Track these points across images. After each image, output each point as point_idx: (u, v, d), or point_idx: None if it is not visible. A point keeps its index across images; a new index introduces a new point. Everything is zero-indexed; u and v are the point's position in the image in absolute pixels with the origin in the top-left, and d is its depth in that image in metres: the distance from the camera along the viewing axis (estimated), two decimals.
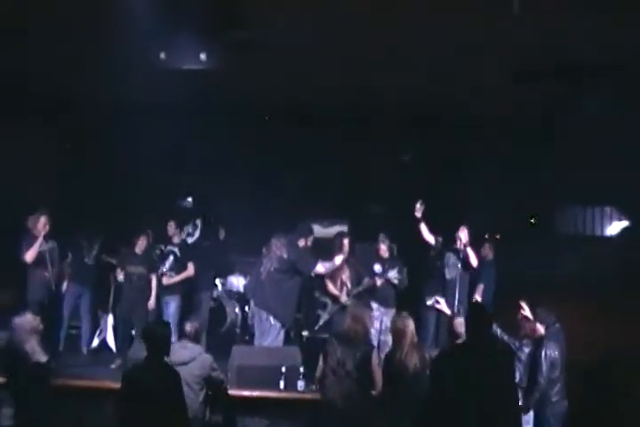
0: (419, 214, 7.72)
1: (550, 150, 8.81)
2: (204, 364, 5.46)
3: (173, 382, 4.64)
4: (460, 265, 7.80)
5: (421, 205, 7.68)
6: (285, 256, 7.28)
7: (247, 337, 8.74)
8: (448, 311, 6.74)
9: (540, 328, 6.20)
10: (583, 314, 7.65)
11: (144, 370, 4.67)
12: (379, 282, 7.86)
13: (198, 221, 8.70)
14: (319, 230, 8.60)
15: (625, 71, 6.93)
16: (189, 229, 8.63)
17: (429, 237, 7.92)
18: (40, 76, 8.27)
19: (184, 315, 7.75)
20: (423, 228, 7.85)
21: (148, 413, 4.46)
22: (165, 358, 4.79)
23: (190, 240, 8.62)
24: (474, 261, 7.83)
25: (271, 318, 7.22)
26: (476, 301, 6.20)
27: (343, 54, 7.13)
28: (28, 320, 5.30)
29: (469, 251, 7.77)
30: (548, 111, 8.35)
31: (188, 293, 8.32)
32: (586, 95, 7.54)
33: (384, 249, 8.11)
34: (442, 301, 6.80)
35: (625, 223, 9.16)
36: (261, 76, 7.77)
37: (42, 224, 7.46)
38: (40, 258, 7.46)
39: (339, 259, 7.53)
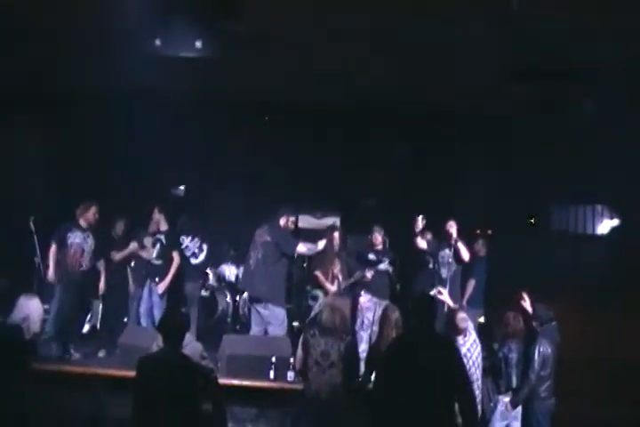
0: (417, 228, 7.76)
1: (545, 149, 8.84)
2: (194, 352, 5.36)
3: (189, 373, 4.53)
4: (452, 261, 7.79)
5: (422, 220, 7.72)
6: (268, 239, 7.30)
7: (238, 327, 8.78)
8: (451, 302, 6.69)
9: (532, 325, 6.21)
10: (575, 311, 7.64)
11: (160, 360, 4.56)
12: (370, 274, 7.84)
13: (204, 246, 8.42)
14: (312, 222, 8.58)
15: (623, 72, 6.95)
16: (195, 249, 8.40)
17: (423, 244, 7.94)
18: (35, 65, 8.18)
19: (173, 303, 7.71)
20: (419, 240, 7.88)
21: (161, 403, 4.36)
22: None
23: (195, 261, 8.40)
24: (465, 256, 7.81)
25: (270, 306, 7.22)
26: (425, 292, 6.15)
27: (338, 50, 7.10)
28: (35, 302, 5.33)
29: (460, 245, 7.74)
30: (546, 110, 8.27)
31: (178, 282, 8.18)
32: (584, 95, 7.53)
33: (379, 239, 8.09)
34: (444, 291, 6.75)
35: (615, 222, 9.25)
36: (255, 69, 7.75)
37: (92, 214, 7.44)
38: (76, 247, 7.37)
39: (321, 243, 7.53)
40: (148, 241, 7.97)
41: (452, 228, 7.72)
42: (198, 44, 6.22)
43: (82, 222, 7.43)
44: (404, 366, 4.40)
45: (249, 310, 8.46)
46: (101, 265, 7.84)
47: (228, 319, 8.84)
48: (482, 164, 9.64)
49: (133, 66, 7.02)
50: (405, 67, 7.48)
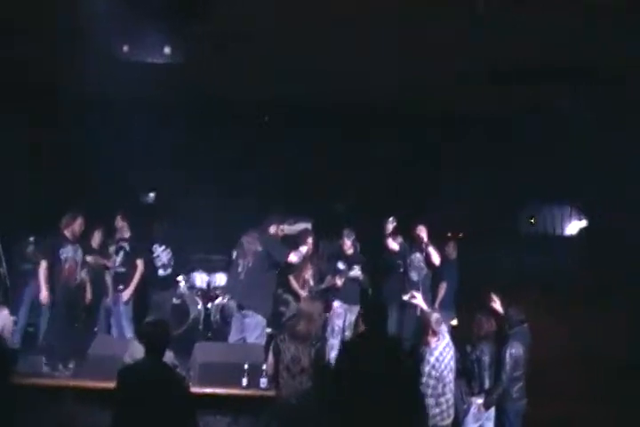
0: (388, 230, 7.82)
1: (517, 150, 8.92)
2: (165, 360, 5.40)
3: (173, 382, 4.45)
4: (423, 264, 7.86)
5: (393, 221, 7.80)
6: (259, 248, 7.30)
7: (210, 334, 8.74)
8: (425, 306, 6.72)
9: (504, 327, 6.26)
10: (546, 312, 7.69)
11: (143, 371, 4.45)
12: (340, 281, 7.87)
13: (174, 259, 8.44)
14: (286, 228, 8.54)
15: (596, 74, 7.15)
16: (165, 260, 8.38)
17: (394, 246, 7.97)
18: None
19: (140, 312, 7.69)
20: (390, 242, 7.92)
21: (146, 415, 4.26)
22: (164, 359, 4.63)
23: (164, 273, 8.38)
24: (436, 260, 7.87)
25: (257, 316, 7.23)
26: (376, 301, 6.22)
27: (311, 51, 7.14)
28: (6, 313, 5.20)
29: (431, 249, 7.82)
30: (520, 111, 8.43)
31: (143, 290, 8.15)
32: (557, 96, 7.68)
33: (348, 245, 8.09)
34: (418, 295, 6.80)
35: (584, 223, 9.39)
36: (224, 70, 7.75)
37: (77, 225, 7.29)
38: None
39: (304, 248, 7.54)
40: (111, 249, 7.94)
41: (423, 232, 7.79)
42: (167, 48, 6.28)
43: (68, 234, 7.26)
44: (355, 373, 4.46)
45: (222, 317, 8.62)
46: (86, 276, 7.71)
47: (200, 327, 8.78)
48: (453, 166, 9.71)
49: (99, 68, 7.06)
50: (379, 67, 7.49)
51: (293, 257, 7.36)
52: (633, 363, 7.35)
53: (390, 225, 7.93)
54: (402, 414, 4.36)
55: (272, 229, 7.50)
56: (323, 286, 7.89)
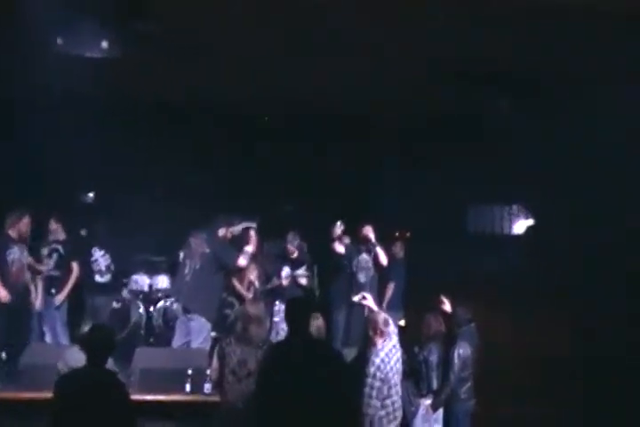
0: (336, 234, 7.85)
1: (464, 149, 8.93)
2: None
3: (118, 391, 4.28)
4: (371, 265, 7.87)
5: (340, 225, 7.83)
6: (207, 251, 7.26)
7: (152, 339, 8.61)
8: (375, 307, 6.59)
9: (452, 327, 6.28)
10: (493, 313, 7.73)
11: (85, 379, 4.27)
12: (286, 281, 7.87)
13: (113, 265, 8.22)
14: (231, 229, 8.44)
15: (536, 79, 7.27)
16: (103, 265, 8.19)
17: (341, 249, 7.98)
18: None
19: (76, 317, 7.54)
20: (337, 245, 7.93)
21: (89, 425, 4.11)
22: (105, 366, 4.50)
23: (103, 279, 8.19)
24: (384, 260, 7.90)
25: (202, 319, 7.17)
26: (295, 296, 6.22)
27: (249, 51, 7.09)
28: None
29: (379, 250, 7.84)
30: (463, 111, 8.51)
31: (79, 293, 8.01)
32: (499, 97, 7.76)
33: (292, 250, 8.11)
34: (369, 297, 6.69)
35: (531, 222, 9.42)
36: (166, 68, 7.64)
37: (24, 224, 7.06)
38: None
39: (249, 248, 7.47)
40: (44, 251, 7.74)
41: (369, 232, 7.81)
42: (104, 43, 6.25)
43: (12, 234, 7.02)
44: (279, 377, 4.35)
45: (164, 321, 8.55)
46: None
47: (142, 332, 8.63)
48: (400, 164, 9.73)
49: (35, 64, 6.89)
50: (324, 67, 7.46)
51: (242, 261, 7.32)
52: (579, 362, 7.40)
53: (338, 229, 7.92)
54: (330, 417, 4.24)
55: (221, 232, 7.49)
56: (268, 286, 7.85)
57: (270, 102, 8.84)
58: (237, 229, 7.85)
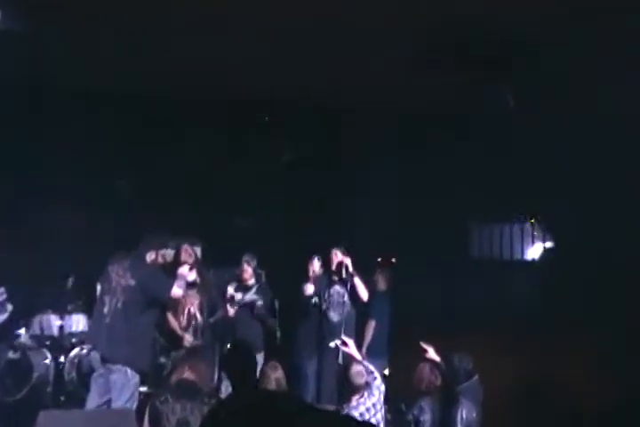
0: (313, 271, 7.93)
1: (462, 153, 8.95)
2: None
3: None
4: (346, 300, 7.82)
5: (319, 260, 7.94)
6: (132, 283, 6.93)
7: (63, 398, 8.40)
8: (359, 356, 6.60)
9: (448, 381, 6.22)
10: (497, 353, 7.86)
11: None
12: (233, 309, 7.87)
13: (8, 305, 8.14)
14: (163, 252, 8.32)
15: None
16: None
17: (310, 290, 7.93)
18: None
19: None
20: (309, 286, 7.93)
21: None
22: None
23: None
24: (364, 295, 7.77)
25: (127, 371, 6.86)
26: (236, 342, 6.21)
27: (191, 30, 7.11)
28: None
29: (356, 280, 7.73)
30: (460, 110, 8.51)
31: None
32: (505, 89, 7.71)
33: (249, 272, 8.03)
34: (350, 342, 6.68)
35: (549, 244, 9.47)
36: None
37: None
38: None
39: (185, 269, 7.29)
40: None
41: (345, 258, 7.73)
42: None
43: None
44: None
45: (79, 375, 8.41)
46: None
47: (48, 389, 8.44)
48: (383, 173, 9.62)
49: None
50: (292, 53, 7.46)
51: (177, 290, 7.02)
52: (601, 409, 7.58)
53: (315, 266, 7.96)
54: None
55: (149, 257, 7.16)
56: (211, 320, 7.79)
57: (225, 91, 8.77)
58: (171, 252, 7.62)
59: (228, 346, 5.04)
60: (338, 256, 7.81)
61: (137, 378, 6.96)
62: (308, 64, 7.81)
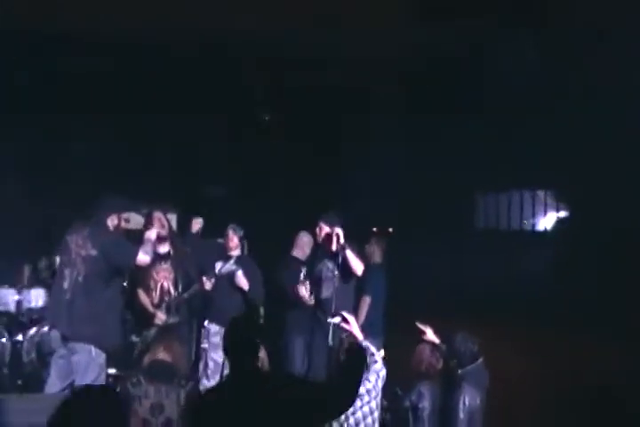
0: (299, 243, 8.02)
1: (466, 114, 8.96)
2: None
3: None
4: (337, 274, 7.54)
5: (308, 232, 7.98)
6: (93, 253, 6.73)
7: (20, 381, 8.28)
8: (361, 336, 6.33)
9: (449, 364, 6.17)
10: (505, 334, 7.93)
11: None
12: (210, 282, 7.73)
13: None
14: (135, 220, 8.20)
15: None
16: None
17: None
18: None
19: None
20: (295, 259, 8.02)
21: None
22: None
23: None
24: (357, 268, 7.49)
25: (92, 350, 6.68)
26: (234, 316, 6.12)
27: None
28: None
29: (349, 254, 7.43)
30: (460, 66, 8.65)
31: None
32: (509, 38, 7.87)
33: (235, 242, 7.95)
34: (351, 319, 6.37)
35: (563, 213, 9.42)
36: None
37: None
38: None
39: (152, 234, 7.07)
40: None
41: (337, 229, 7.46)
42: None
43: None
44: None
45: (39, 355, 8.30)
46: None
47: (4, 371, 8.27)
48: (379, 136, 9.59)
49: None
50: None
51: (144, 257, 6.80)
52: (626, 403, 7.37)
53: (304, 237, 8.07)
54: None
55: (110, 222, 6.91)
56: (185, 295, 7.67)
57: (204, 41, 8.87)
58: (137, 215, 7.46)
59: (229, 323, 4.84)
60: (325, 228, 7.60)
61: (103, 358, 6.75)
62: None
